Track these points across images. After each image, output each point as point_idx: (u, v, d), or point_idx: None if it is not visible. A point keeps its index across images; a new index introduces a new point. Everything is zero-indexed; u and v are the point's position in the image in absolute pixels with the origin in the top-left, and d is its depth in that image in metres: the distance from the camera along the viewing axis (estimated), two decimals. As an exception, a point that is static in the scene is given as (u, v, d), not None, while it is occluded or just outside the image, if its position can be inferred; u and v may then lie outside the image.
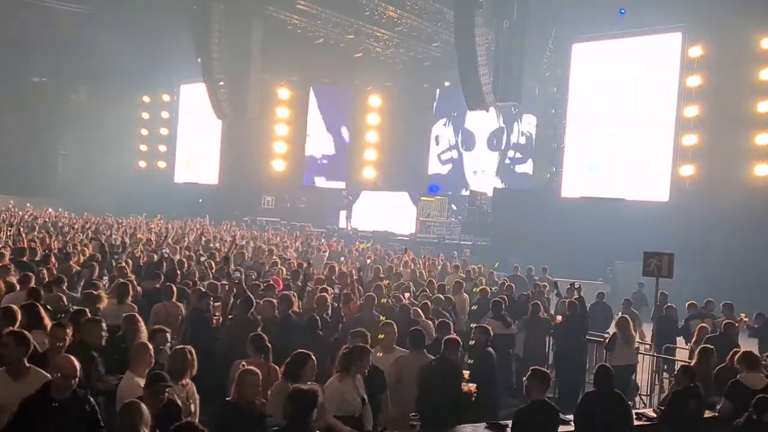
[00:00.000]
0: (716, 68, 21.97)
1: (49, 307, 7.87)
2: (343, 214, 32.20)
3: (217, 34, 31.07)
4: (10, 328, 5.97)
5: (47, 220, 23.20)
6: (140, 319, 7.28)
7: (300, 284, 11.20)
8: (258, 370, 5.83)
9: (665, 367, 11.36)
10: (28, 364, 5.42)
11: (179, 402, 5.52)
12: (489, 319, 10.36)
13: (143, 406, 4.83)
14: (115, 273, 11.10)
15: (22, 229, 16.75)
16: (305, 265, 12.68)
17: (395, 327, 8.03)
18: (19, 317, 6.56)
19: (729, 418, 7.09)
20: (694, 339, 10.14)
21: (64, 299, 8.41)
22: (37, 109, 37.31)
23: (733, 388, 7.39)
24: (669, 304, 12.77)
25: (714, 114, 22.05)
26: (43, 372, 5.36)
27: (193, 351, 6.03)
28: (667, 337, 11.90)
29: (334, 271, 13.32)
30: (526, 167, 30.16)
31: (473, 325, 9.66)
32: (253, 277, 12.18)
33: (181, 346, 6.07)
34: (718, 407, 7.41)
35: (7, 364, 5.39)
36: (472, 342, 8.54)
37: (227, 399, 5.75)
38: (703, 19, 21.85)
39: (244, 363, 6.32)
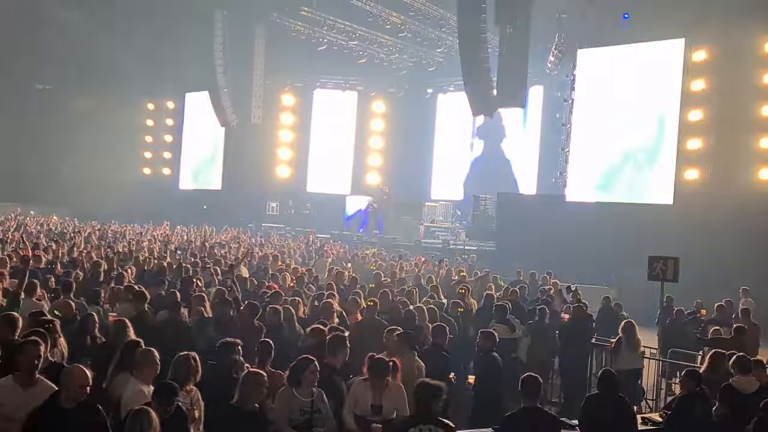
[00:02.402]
0: (720, 72, 21.94)
1: (57, 313, 7.89)
2: (350, 219, 32.22)
3: (220, 41, 31.20)
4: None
5: (53, 227, 23.25)
6: (129, 325, 7.22)
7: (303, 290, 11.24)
8: (265, 374, 5.92)
9: (668, 370, 11.29)
10: (36, 374, 5.42)
11: (184, 408, 5.53)
12: (495, 323, 10.33)
13: (153, 414, 4.80)
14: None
15: (25, 237, 16.77)
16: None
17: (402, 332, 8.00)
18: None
19: (724, 422, 7.14)
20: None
21: (73, 306, 8.42)
22: (41, 116, 37.43)
23: (726, 391, 7.46)
24: (679, 308, 12.71)
25: (718, 118, 22.00)
26: (50, 383, 5.34)
27: (197, 357, 6.02)
28: (676, 341, 11.83)
29: (342, 278, 13.31)
30: (531, 172, 30.12)
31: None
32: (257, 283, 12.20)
33: (185, 352, 6.06)
34: (713, 410, 7.43)
35: (16, 371, 5.38)
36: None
37: (231, 403, 5.75)
38: (706, 24, 21.82)
39: (249, 368, 6.36)
